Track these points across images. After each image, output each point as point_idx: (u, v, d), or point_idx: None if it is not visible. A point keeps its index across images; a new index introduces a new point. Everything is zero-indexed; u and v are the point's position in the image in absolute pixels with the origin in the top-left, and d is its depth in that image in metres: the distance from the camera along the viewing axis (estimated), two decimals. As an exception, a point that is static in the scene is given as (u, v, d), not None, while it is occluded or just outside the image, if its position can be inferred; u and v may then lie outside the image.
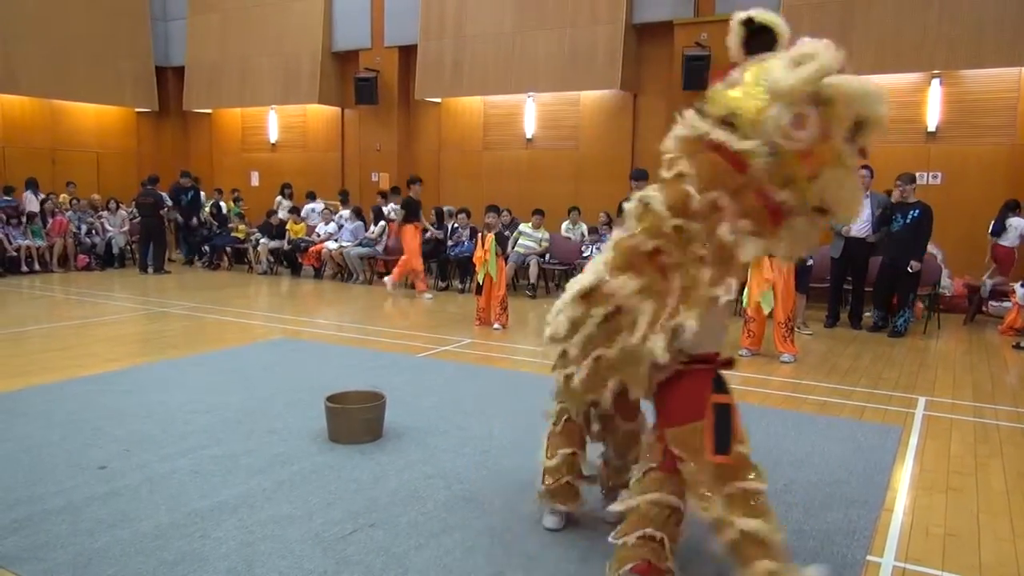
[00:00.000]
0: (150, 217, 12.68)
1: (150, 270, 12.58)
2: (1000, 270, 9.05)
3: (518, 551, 3.05)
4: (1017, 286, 8.29)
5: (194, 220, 13.72)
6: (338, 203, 13.35)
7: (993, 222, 9.06)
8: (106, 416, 4.71)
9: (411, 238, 10.44)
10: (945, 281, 9.19)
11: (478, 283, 8.36)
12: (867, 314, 8.70)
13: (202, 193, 14.18)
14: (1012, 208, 8.83)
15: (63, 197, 13.75)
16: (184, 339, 7.41)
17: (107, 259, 13.35)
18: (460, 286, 11.31)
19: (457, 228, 11.43)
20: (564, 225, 11.54)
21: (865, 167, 8.46)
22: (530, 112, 12.99)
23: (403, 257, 10.55)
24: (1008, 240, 8.87)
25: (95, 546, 3.03)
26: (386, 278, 10.61)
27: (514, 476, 3.84)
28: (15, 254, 12.18)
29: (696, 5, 11.26)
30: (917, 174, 8.56)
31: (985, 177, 9.91)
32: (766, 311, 6.79)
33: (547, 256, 11.21)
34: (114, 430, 4.44)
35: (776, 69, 2.49)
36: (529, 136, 13.09)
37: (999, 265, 9.04)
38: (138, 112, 16.86)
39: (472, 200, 12.28)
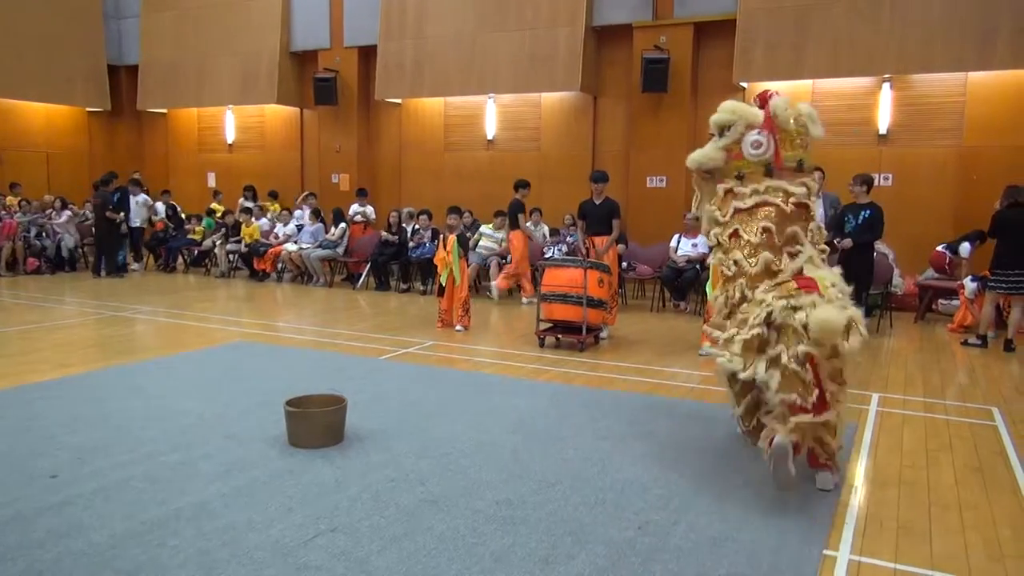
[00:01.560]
0: (101, 219, 12.36)
1: (103, 273, 12.28)
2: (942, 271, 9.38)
3: (482, 553, 3.05)
4: (966, 280, 8.53)
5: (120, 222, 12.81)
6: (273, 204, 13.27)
7: (949, 244, 9.30)
8: (58, 423, 4.59)
9: (519, 242, 10.31)
10: (896, 280, 9.42)
11: (440, 284, 8.33)
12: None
13: (139, 196, 13.44)
14: (975, 238, 8.98)
15: (10, 199, 13.34)
16: (139, 344, 7.25)
17: (57, 262, 12.99)
18: (422, 288, 11.26)
19: (418, 229, 11.38)
20: (526, 226, 11.55)
21: (817, 168, 8.64)
22: (491, 113, 13.00)
23: (508, 265, 10.46)
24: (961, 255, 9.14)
25: (47, 557, 2.94)
26: (492, 284, 10.42)
27: (477, 477, 3.84)
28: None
29: (654, 9, 11.38)
30: (871, 175, 8.76)
31: (934, 178, 10.19)
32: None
33: (509, 257, 11.22)
34: (66, 438, 4.33)
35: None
36: (490, 137, 13.09)
37: (950, 272, 9.33)
38: (90, 111, 16.43)
39: (433, 201, 12.25)
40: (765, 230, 4.08)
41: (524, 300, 10.27)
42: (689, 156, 4.54)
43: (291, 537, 3.15)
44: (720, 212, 4.28)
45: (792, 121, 4.23)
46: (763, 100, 4.37)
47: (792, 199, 4.11)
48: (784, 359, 3.60)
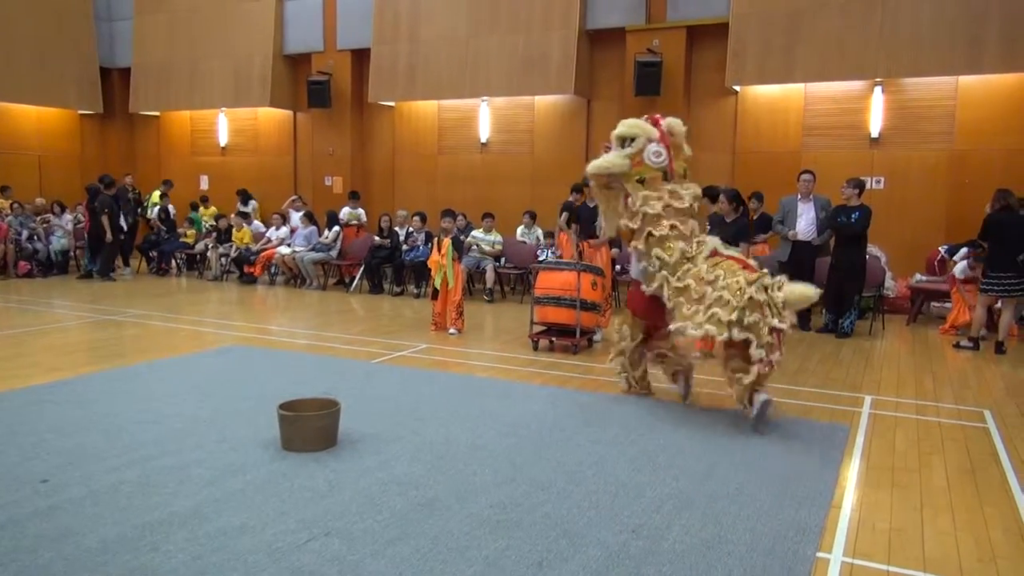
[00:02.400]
0: (93, 221, 12.29)
1: (94, 274, 12.22)
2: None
3: (476, 557, 3.04)
4: (957, 269, 8.57)
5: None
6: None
7: (950, 246, 9.29)
8: (49, 428, 4.57)
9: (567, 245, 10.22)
10: (889, 283, 9.47)
11: (434, 287, 8.33)
12: (817, 317, 8.91)
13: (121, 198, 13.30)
14: (973, 247, 9.00)
15: (1, 202, 13.26)
16: (131, 347, 7.22)
17: (49, 266, 12.92)
18: (415, 291, 11.25)
19: (412, 232, 11.37)
20: (519, 229, 11.58)
21: (808, 171, 8.69)
22: (484, 116, 13.01)
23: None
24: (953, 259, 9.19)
25: (38, 563, 2.93)
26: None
27: (471, 481, 3.83)
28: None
29: (648, 12, 11.41)
30: (863, 179, 8.80)
31: (926, 181, 10.25)
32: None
33: (503, 260, 11.23)
34: (57, 442, 4.31)
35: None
36: (484, 140, 13.10)
37: (939, 271, 9.38)
38: (82, 114, 16.37)
39: (427, 204, 12.25)
40: (673, 226, 5.08)
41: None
42: (592, 163, 5.34)
43: (284, 541, 3.14)
44: (649, 210, 5.13)
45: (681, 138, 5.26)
46: (655, 120, 5.34)
47: (688, 199, 5.15)
48: (763, 329, 4.63)
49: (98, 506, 3.45)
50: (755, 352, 4.63)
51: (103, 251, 12.33)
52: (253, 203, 13.86)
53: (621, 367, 5.69)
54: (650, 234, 5.12)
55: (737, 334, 4.65)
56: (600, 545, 3.16)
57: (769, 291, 4.69)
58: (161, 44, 15.58)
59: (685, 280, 4.98)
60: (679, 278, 5.01)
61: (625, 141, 5.26)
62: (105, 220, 12.21)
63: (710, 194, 8.83)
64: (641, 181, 5.16)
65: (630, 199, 5.22)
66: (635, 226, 5.20)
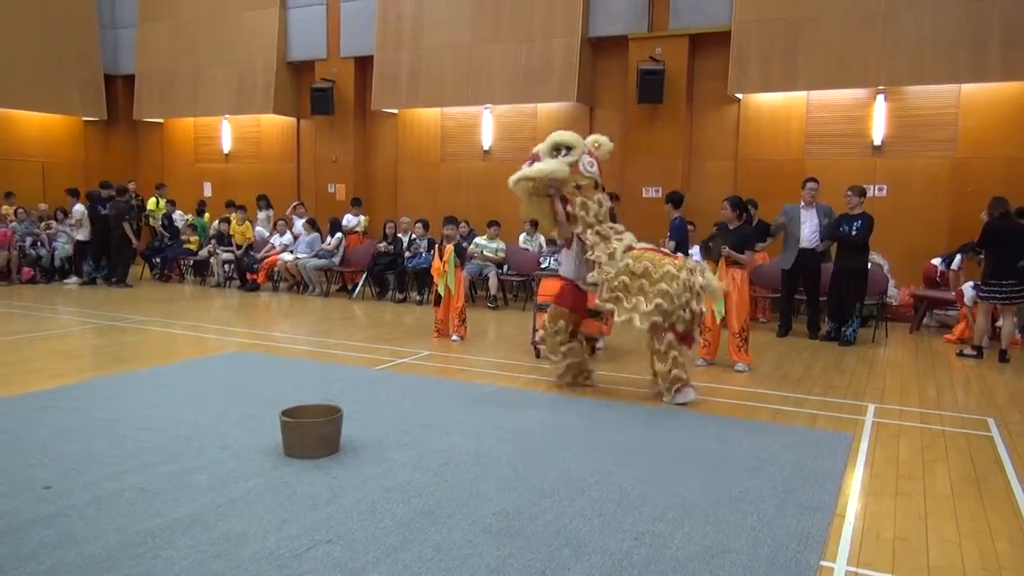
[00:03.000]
0: (118, 229, 12.33)
1: (113, 281, 12.26)
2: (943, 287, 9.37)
3: (478, 565, 3.03)
4: (965, 287, 8.52)
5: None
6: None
7: (944, 257, 9.30)
8: (51, 434, 4.57)
9: None
10: (892, 291, 9.46)
11: (437, 294, 8.33)
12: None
13: (76, 207, 13.03)
14: (967, 250, 8.99)
15: (6, 208, 13.30)
16: (134, 353, 7.22)
17: (51, 272, 12.95)
18: (418, 298, 11.25)
19: (415, 239, 11.38)
20: (522, 236, 11.58)
21: (813, 179, 8.70)
22: (487, 124, 13.03)
23: None
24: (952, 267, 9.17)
25: (39, 569, 2.92)
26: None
27: (473, 488, 3.82)
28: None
29: (650, 21, 11.45)
30: (864, 187, 8.80)
31: (929, 190, 10.25)
32: (718, 319, 6.90)
33: (505, 267, 11.24)
34: (60, 448, 4.31)
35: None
36: (486, 148, 13.12)
37: (942, 284, 9.34)
38: (86, 121, 16.43)
39: (430, 212, 12.26)
40: (611, 227, 5.79)
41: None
42: (534, 169, 5.66)
43: (286, 548, 3.13)
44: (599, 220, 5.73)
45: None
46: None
47: (607, 204, 5.82)
48: (695, 310, 5.53)
49: (100, 513, 3.44)
50: (679, 326, 5.51)
51: (122, 258, 12.38)
52: (270, 211, 13.83)
53: (564, 355, 6.00)
54: (598, 234, 5.67)
55: (680, 317, 5.47)
56: (603, 553, 3.15)
57: (694, 274, 5.51)
58: (165, 51, 15.64)
59: (620, 277, 5.58)
60: (617, 273, 5.60)
61: (561, 150, 5.70)
62: (127, 227, 12.33)
63: (674, 200, 9.00)
64: (578, 187, 5.68)
65: (569, 205, 5.72)
66: (579, 229, 5.73)
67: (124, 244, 12.42)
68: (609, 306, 5.66)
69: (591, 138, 5.89)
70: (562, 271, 6.22)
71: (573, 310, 6.03)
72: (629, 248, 5.68)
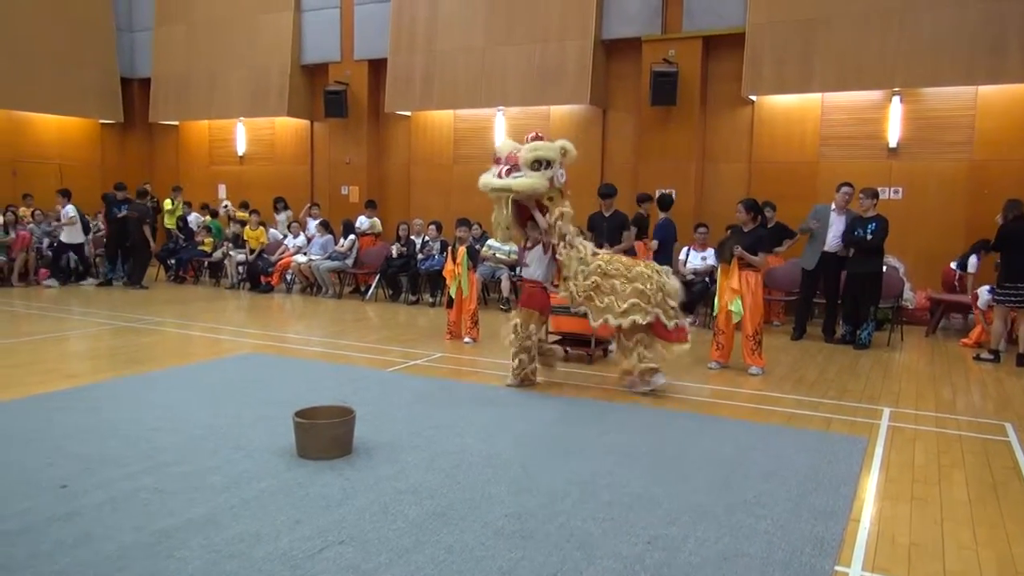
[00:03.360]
0: (138, 230, 12.43)
1: (134, 283, 12.34)
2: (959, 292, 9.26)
3: (490, 567, 3.03)
4: (983, 291, 8.43)
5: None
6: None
7: (960, 260, 9.20)
8: (67, 434, 4.61)
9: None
10: (907, 294, 9.38)
11: (449, 296, 8.33)
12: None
13: (65, 208, 12.86)
14: (980, 249, 8.91)
15: (23, 210, 13.44)
16: (149, 354, 7.27)
17: (68, 273, 13.05)
18: (431, 300, 11.27)
19: (428, 241, 11.40)
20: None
21: (848, 184, 8.59)
22: (500, 126, 13.04)
23: None
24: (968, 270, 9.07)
25: (55, 568, 2.95)
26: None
27: (486, 491, 3.82)
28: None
29: (664, 22, 11.42)
30: (879, 189, 8.73)
31: (945, 192, 10.16)
32: (735, 319, 6.87)
33: (518, 270, 11.22)
34: (76, 448, 4.34)
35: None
36: (499, 150, 13.11)
37: (960, 289, 9.23)
38: (102, 124, 16.58)
39: (442, 214, 12.27)
40: (579, 233, 6.19)
41: None
42: (521, 183, 5.78)
43: (299, 549, 3.14)
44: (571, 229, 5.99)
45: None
46: (537, 137, 5.97)
47: (571, 212, 6.01)
48: (667, 308, 5.86)
49: (115, 512, 3.47)
50: (668, 323, 5.85)
51: (140, 260, 12.48)
52: (288, 212, 13.91)
53: (520, 363, 6.07)
54: (569, 244, 5.93)
55: (654, 315, 5.82)
56: (616, 557, 3.14)
57: (662, 276, 5.92)
58: (180, 54, 15.77)
59: (591, 278, 5.86)
60: (587, 276, 5.89)
61: (541, 164, 5.79)
62: (147, 230, 12.45)
63: (661, 202, 8.97)
64: (551, 199, 5.93)
65: (549, 215, 5.92)
66: (554, 239, 5.93)
67: (143, 246, 12.54)
68: (583, 309, 5.98)
69: (558, 144, 5.96)
70: (529, 274, 6.28)
71: (542, 312, 6.24)
72: (594, 253, 6.03)
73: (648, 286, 5.81)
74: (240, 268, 12.76)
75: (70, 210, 12.49)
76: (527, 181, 5.74)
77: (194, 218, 14.33)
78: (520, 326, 6.06)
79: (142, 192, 12.90)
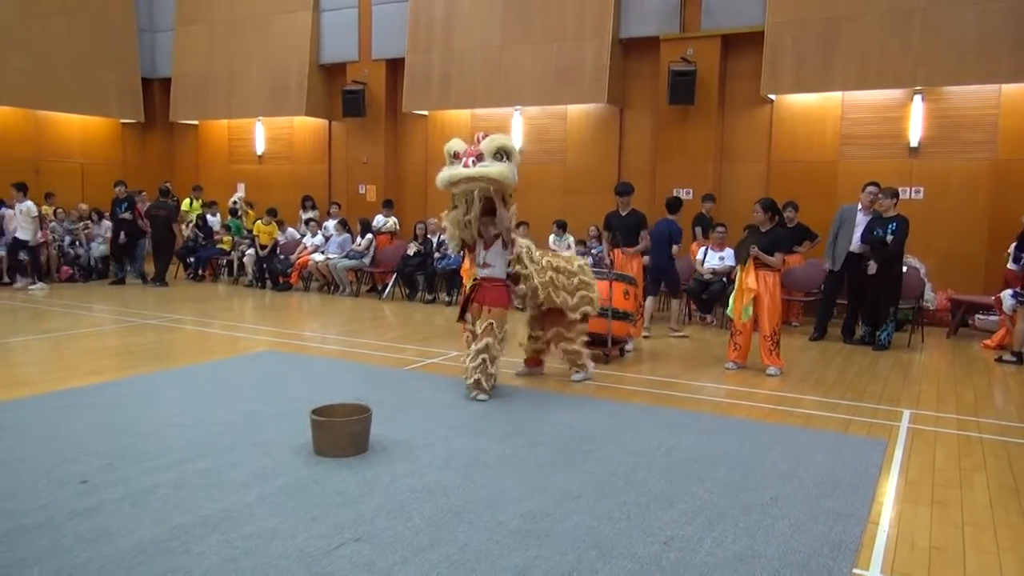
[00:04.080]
0: (161, 229, 12.55)
1: (157, 282, 12.45)
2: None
3: (505, 566, 3.03)
4: (1006, 295, 8.28)
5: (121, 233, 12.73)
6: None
7: (1014, 248, 8.50)
8: (87, 430, 4.66)
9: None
10: (928, 295, 9.27)
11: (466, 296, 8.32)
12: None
13: (23, 204, 12.70)
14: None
15: (45, 208, 13.60)
16: (167, 352, 7.34)
17: (89, 271, 13.21)
18: (447, 299, 11.29)
19: (444, 240, 11.41)
20: (551, 238, 11.57)
21: (874, 183, 8.49)
22: (517, 125, 13.04)
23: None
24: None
25: (75, 562, 2.98)
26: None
27: (501, 489, 3.82)
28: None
29: (682, 21, 11.37)
30: (900, 189, 8.64)
31: (967, 192, 10.03)
32: (744, 319, 6.83)
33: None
34: (95, 444, 4.39)
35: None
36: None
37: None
38: (124, 123, 16.77)
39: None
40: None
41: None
42: (497, 170, 5.48)
43: (315, 546, 3.16)
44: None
45: None
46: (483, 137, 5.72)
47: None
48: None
49: (134, 508, 3.50)
50: (591, 311, 6.23)
51: (164, 258, 12.63)
52: (315, 212, 13.99)
53: (487, 367, 5.60)
54: (513, 240, 5.91)
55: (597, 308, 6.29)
56: (631, 557, 3.13)
57: (588, 270, 6.28)
58: (200, 54, 15.91)
59: (547, 273, 6.00)
60: (542, 271, 6.00)
61: (503, 154, 5.57)
62: (176, 228, 12.66)
63: (670, 205, 9.08)
64: (510, 194, 5.82)
65: (506, 210, 5.72)
66: (507, 233, 5.78)
67: (168, 244, 12.64)
68: (545, 307, 6.12)
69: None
70: (493, 273, 5.84)
71: (506, 309, 5.87)
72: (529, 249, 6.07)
73: (588, 278, 6.21)
74: (252, 264, 12.82)
75: (30, 206, 11.64)
76: (502, 167, 5.51)
77: (217, 219, 14.43)
78: (497, 327, 5.68)
79: (165, 191, 13.01)
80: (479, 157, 5.52)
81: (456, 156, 5.64)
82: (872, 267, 8.06)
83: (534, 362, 6.59)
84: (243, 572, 2.92)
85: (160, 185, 13.57)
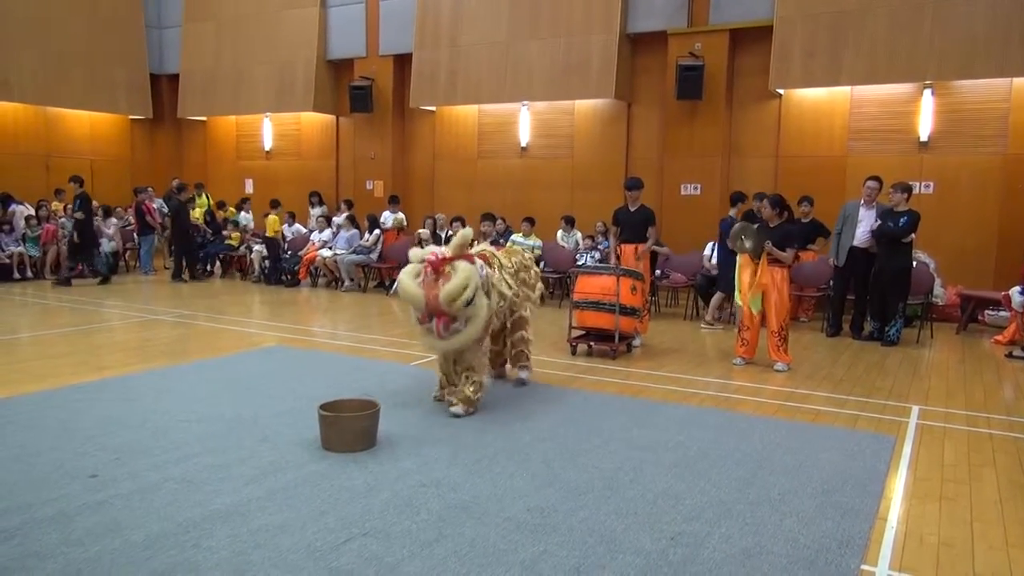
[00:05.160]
0: (181, 225, 12.57)
1: (184, 278, 12.51)
2: None
3: (512, 561, 3.04)
4: (1015, 292, 8.24)
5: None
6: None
7: None
8: (97, 424, 4.69)
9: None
10: (938, 290, 9.22)
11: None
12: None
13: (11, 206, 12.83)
14: None
15: (54, 204, 13.67)
16: (177, 347, 7.37)
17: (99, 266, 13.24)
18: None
19: (452, 236, 11.42)
20: (559, 233, 11.56)
21: (874, 178, 8.46)
22: (524, 121, 13.03)
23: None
24: None
25: (86, 556, 3.00)
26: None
27: (508, 485, 3.83)
28: (7, 261, 12.10)
29: (690, 15, 11.33)
30: (910, 184, 8.58)
31: (977, 187, 9.97)
32: (755, 311, 6.82)
33: (542, 264, 11.22)
34: (106, 439, 4.42)
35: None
36: (523, 145, 13.11)
37: None
38: (132, 119, 16.83)
39: (466, 208, 12.30)
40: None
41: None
42: (468, 334, 4.95)
43: (324, 540, 3.17)
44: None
45: None
46: (441, 262, 5.22)
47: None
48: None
49: (144, 502, 3.53)
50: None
51: (189, 253, 12.68)
52: (324, 208, 14.02)
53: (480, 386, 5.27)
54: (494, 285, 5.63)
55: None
56: (638, 552, 3.13)
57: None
58: (208, 50, 15.95)
59: (519, 274, 5.85)
60: (515, 274, 5.80)
61: (470, 302, 4.96)
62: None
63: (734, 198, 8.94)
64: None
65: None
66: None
67: (184, 240, 12.65)
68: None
69: (466, 265, 4.95)
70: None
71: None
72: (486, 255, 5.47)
73: (536, 270, 6.20)
74: (265, 262, 12.85)
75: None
76: (471, 331, 4.92)
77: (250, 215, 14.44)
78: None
79: (182, 187, 13.00)
80: (447, 322, 4.85)
81: (426, 267, 4.96)
82: (871, 243, 8.19)
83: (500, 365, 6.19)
84: (252, 566, 2.94)
85: (178, 182, 13.50)
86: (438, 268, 4.89)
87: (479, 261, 5.16)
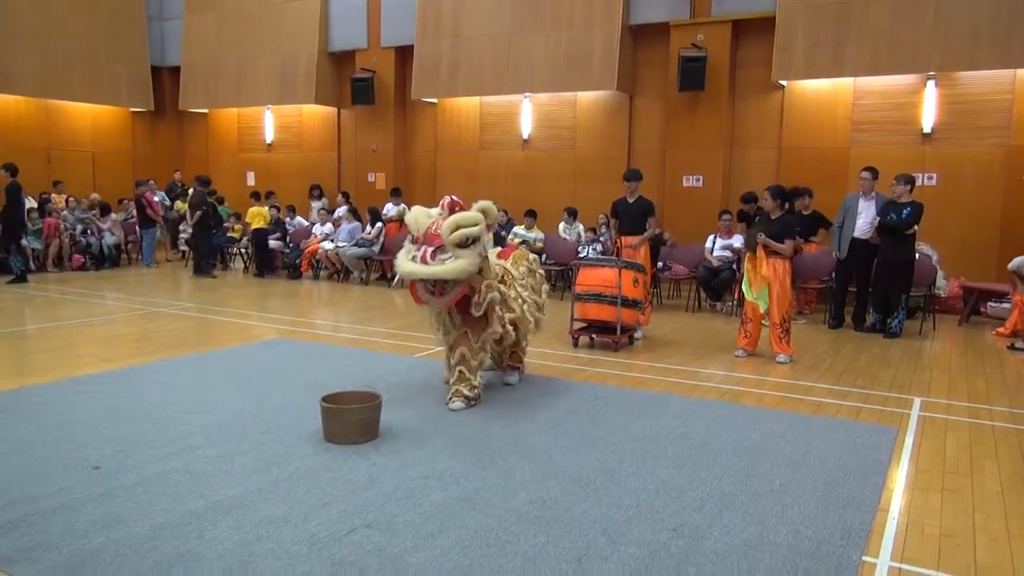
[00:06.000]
0: (200, 220, 12.57)
1: (202, 272, 12.46)
2: None
3: (515, 552, 3.04)
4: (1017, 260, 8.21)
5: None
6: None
7: None
8: (101, 416, 4.70)
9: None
10: (940, 282, 9.21)
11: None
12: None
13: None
14: None
15: (55, 197, 13.68)
16: (179, 339, 7.38)
17: (101, 259, 13.27)
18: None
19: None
20: (561, 226, 11.55)
21: (868, 169, 8.45)
22: (526, 113, 13.00)
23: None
24: None
25: (89, 547, 3.01)
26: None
27: (510, 476, 3.83)
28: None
29: (692, 7, 11.28)
30: (912, 175, 8.56)
31: (980, 178, 9.94)
32: (762, 308, 6.81)
33: (544, 257, 11.21)
34: (109, 430, 4.43)
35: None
36: (525, 137, 13.09)
37: None
38: (133, 112, 16.81)
39: (468, 200, 12.09)
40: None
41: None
42: (452, 268, 4.71)
43: (326, 532, 3.18)
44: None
45: None
46: (454, 204, 5.17)
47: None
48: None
49: (147, 493, 3.54)
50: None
51: (205, 246, 12.60)
52: (324, 200, 14.00)
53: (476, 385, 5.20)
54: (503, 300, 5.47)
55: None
56: (640, 543, 3.14)
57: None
58: (210, 43, 15.92)
59: (525, 280, 5.74)
60: (522, 280, 5.70)
61: (468, 240, 4.85)
62: (189, 215, 12.60)
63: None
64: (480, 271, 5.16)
65: (478, 295, 5.23)
66: (479, 312, 5.32)
67: (203, 233, 12.58)
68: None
69: (478, 213, 4.98)
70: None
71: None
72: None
73: (540, 272, 6.08)
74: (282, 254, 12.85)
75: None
76: (459, 264, 4.69)
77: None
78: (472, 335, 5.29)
79: (206, 180, 12.86)
80: (439, 249, 4.73)
81: (415, 240, 4.88)
82: (872, 234, 8.13)
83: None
84: (255, 557, 2.95)
85: (197, 176, 13.35)
86: (453, 208, 4.99)
87: (497, 270, 5.27)
